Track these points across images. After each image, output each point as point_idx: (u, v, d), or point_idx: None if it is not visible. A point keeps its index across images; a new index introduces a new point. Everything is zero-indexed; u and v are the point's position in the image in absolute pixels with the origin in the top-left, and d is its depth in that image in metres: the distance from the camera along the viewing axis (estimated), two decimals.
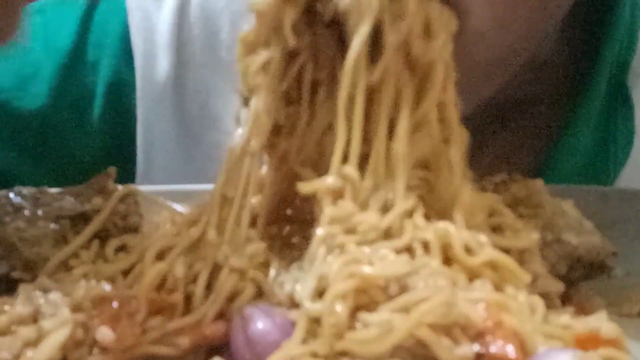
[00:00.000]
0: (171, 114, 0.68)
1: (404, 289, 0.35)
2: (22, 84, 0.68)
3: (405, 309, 0.34)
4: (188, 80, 0.68)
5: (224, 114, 0.67)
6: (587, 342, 0.36)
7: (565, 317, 0.38)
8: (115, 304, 0.34)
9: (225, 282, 0.36)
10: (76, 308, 0.35)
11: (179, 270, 0.36)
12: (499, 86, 0.50)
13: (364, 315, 0.34)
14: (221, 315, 0.36)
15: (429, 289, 0.34)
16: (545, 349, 0.34)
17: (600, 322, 0.37)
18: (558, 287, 0.41)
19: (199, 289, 0.36)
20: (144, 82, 0.67)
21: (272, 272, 0.38)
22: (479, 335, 0.34)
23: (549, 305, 0.39)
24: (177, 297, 0.35)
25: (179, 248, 0.37)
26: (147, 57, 0.67)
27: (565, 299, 0.42)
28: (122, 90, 0.68)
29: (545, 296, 0.39)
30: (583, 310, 0.40)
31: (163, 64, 0.67)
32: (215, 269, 0.37)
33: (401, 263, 0.36)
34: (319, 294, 0.35)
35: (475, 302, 0.35)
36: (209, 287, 0.37)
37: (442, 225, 0.38)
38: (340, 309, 0.33)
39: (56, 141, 0.69)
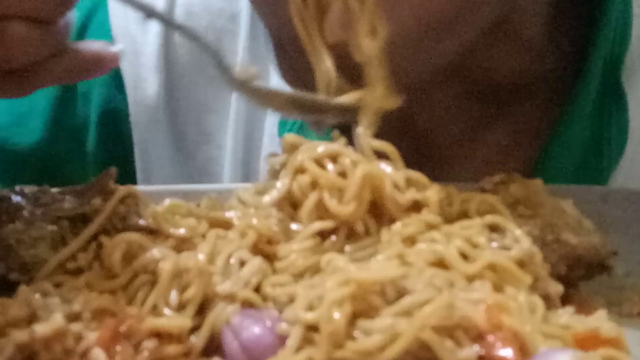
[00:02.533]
0: (165, 133, 0.69)
1: (401, 292, 0.35)
2: (19, 121, 0.69)
3: (408, 313, 0.33)
4: (179, 100, 0.69)
5: (216, 129, 0.68)
6: (587, 342, 0.36)
7: (565, 317, 0.38)
8: (115, 321, 0.34)
9: (215, 311, 0.36)
10: (73, 317, 0.34)
11: (173, 298, 0.36)
12: (459, 46, 0.50)
13: (364, 323, 0.34)
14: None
15: (428, 291, 0.34)
16: (545, 349, 0.34)
17: (600, 322, 0.37)
18: (558, 289, 0.41)
19: (187, 319, 0.35)
20: (136, 105, 0.68)
21: (268, 288, 0.38)
22: (479, 337, 0.33)
23: (549, 307, 0.39)
24: (174, 328, 0.35)
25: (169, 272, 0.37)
26: (137, 80, 0.68)
27: (565, 299, 0.42)
28: (115, 117, 0.69)
29: (545, 298, 0.39)
30: (583, 310, 0.40)
31: (153, 86, 0.68)
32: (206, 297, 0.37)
33: (394, 266, 0.36)
34: (311, 306, 0.35)
35: (476, 303, 0.34)
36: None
37: (429, 247, 0.38)
38: (338, 316, 0.33)
39: (54, 173, 0.70)
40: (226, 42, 0.68)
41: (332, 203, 0.40)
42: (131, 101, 0.68)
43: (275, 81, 0.67)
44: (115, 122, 0.69)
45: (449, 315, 0.33)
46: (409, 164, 0.43)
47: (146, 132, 0.68)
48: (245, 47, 0.68)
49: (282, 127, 0.66)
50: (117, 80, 0.68)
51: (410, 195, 0.41)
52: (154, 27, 0.68)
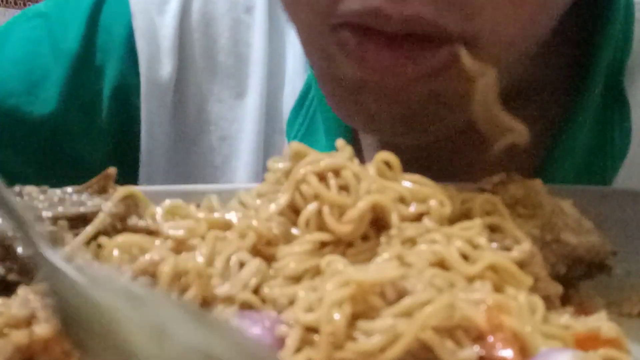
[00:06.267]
0: (170, 116, 0.68)
1: (401, 293, 0.35)
2: (32, 89, 0.68)
3: (408, 313, 0.33)
4: (188, 84, 0.68)
5: (220, 119, 0.68)
6: (587, 342, 0.36)
7: (565, 317, 0.38)
8: None
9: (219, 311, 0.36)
10: None
11: None
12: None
13: (364, 324, 0.34)
14: None
15: (429, 291, 0.34)
16: (545, 349, 0.34)
17: (600, 322, 0.37)
18: (558, 289, 0.41)
19: None
20: (149, 85, 0.67)
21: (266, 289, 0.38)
22: (479, 337, 0.33)
23: (549, 307, 0.39)
24: None
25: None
26: (152, 60, 0.67)
27: (565, 299, 0.42)
28: (127, 94, 0.68)
29: (545, 299, 0.39)
30: (583, 310, 0.40)
31: (167, 68, 0.67)
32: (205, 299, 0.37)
33: (394, 267, 0.36)
34: (311, 308, 0.35)
35: (476, 303, 0.34)
36: None
37: (429, 248, 0.38)
38: (338, 317, 0.33)
39: (64, 146, 0.69)
40: (242, 33, 0.68)
41: (330, 220, 0.40)
42: (143, 80, 0.67)
43: (290, 71, 0.68)
44: (127, 99, 0.68)
45: (449, 315, 0.33)
46: (413, 169, 0.43)
47: (154, 113, 0.68)
48: (261, 40, 0.68)
49: (290, 127, 0.66)
50: (132, 56, 0.67)
51: (414, 208, 0.41)
52: (172, 8, 0.68)
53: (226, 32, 0.68)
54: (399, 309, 0.34)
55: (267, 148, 0.67)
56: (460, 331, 0.33)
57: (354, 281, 0.34)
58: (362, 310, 0.34)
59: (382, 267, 0.37)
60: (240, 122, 0.68)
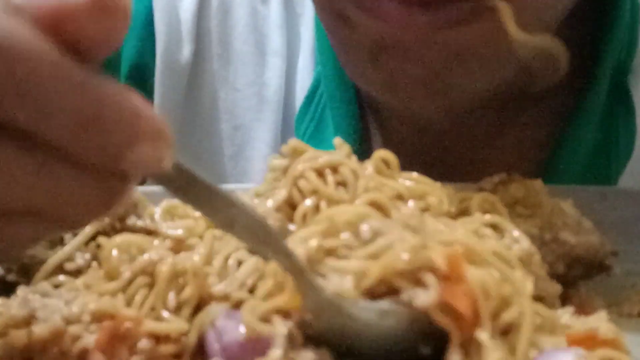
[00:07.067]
0: (185, 101, 0.68)
1: (377, 235, 0.34)
2: None
3: (375, 256, 0.33)
4: (203, 70, 0.68)
5: (234, 107, 0.67)
6: (584, 343, 0.35)
7: (565, 317, 0.38)
8: (113, 324, 0.34)
9: (203, 313, 0.36)
10: (72, 319, 0.34)
11: (171, 300, 0.36)
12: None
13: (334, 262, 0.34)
14: None
15: (402, 233, 0.34)
16: (549, 348, 0.34)
17: (600, 322, 0.37)
18: (557, 289, 0.41)
19: (185, 323, 0.35)
20: (164, 67, 0.67)
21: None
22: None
23: (549, 307, 0.39)
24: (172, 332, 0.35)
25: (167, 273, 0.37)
26: (169, 43, 0.66)
27: (565, 299, 0.42)
28: (143, 74, 0.67)
29: (544, 298, 0.39)
30: (583, 310, 0.40)
31: (184, 52, 0.67)
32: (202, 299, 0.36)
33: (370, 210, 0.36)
34: None
35: (447, 244, 0.33)
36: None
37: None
38: (313, 242, 0.33)
39: None
40: (258, 23, 0.68)
41: None
42: (159, 61, 0.66)
43: (301, 66, 0.67)
44: (142, 79, 0.67)
45: (413, 259, 0.32)
46: (426, 167, 0.43)
47: (167, 97, 0.67)
48: (277, 31, 0.67)
49: (299, 123, 0.66)
50: (149, 37, 0.67)
51: (412, 205, 0.41)
52: None
53: (243, 21, 0.68)
54: (369, 250, 0.33)
55: (284, 139, 0.67)
56: (424, 272, 0.32)
57: (327, 217, 0.35)
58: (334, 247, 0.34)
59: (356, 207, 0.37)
60: (256, 111, 0.67)
